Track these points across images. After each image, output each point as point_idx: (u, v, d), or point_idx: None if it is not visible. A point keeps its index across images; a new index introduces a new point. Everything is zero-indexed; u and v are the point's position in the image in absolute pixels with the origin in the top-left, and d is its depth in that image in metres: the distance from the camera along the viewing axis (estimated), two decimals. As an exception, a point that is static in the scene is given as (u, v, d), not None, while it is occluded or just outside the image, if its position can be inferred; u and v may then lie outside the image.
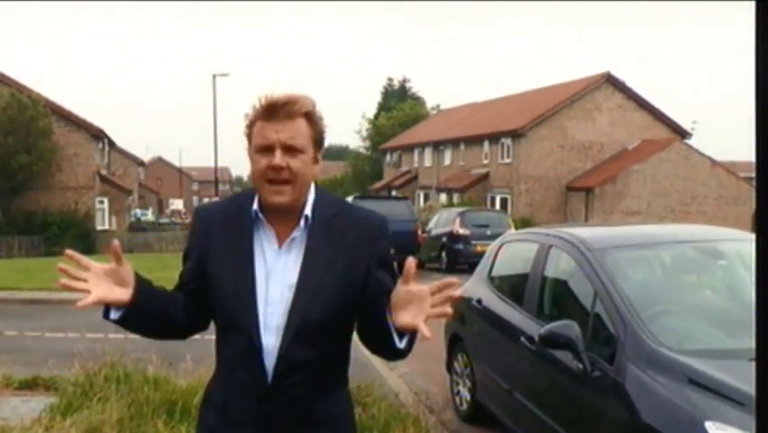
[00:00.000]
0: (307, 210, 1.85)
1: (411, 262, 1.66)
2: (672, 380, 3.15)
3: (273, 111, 1.78)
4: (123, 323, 1.79)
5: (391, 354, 1.79)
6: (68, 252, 1.72)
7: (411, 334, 1.71)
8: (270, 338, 1.80)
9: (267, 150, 1.78)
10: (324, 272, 1.81)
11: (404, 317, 1.67)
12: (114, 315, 1.76)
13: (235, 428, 1.86)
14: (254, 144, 1.81)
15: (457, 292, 1.66)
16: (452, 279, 1.68)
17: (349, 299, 1.84)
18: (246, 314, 1.80)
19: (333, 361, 1.90)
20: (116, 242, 1.73)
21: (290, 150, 1.78)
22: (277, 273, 1.82)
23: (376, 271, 1.87)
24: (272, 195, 1.80)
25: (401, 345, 1.73)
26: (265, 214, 1.85)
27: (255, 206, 1.86)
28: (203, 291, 1.89)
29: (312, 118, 1.82)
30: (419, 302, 1.67)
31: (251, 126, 1.83)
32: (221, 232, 1.87)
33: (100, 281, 1.71)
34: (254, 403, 1.83)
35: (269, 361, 1.80)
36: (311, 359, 1.82)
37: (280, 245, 1.84)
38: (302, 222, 1.84)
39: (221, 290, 1.84)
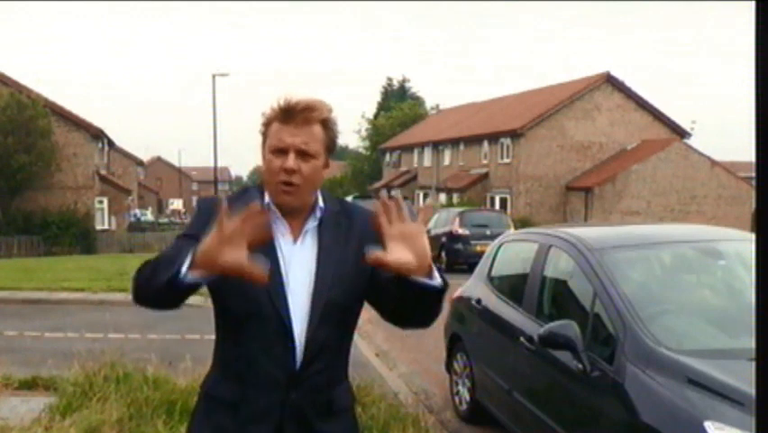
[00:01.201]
0: (321, 203, 1.93)
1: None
2: (671, 380, 3.15)
3: (291, 115, 1.82)
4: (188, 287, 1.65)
5: (433, 304, 1.76)
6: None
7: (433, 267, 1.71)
8: (296, 324, 1.84)
9: (281, 152, 1.83)
10: (339, 260, 1.89)
11: (405, 256, 1.64)
12: (191, 278, 1.60)
13: (251, 425, 1.85)
14: (269, 145, 1.85)
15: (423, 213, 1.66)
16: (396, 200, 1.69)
17: (361, 285, 1.91)
18: (275, 301, 1.82)
19: (345, 348, 1.98)
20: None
21: (304, 154, 1.83)
22: (295, 262, 1.87)
23: None
24: (282, 195, 1.85)
25: (437, 281, 1.70)
26: (277, 208, 1.90)
27: (267, 198, 1.89)
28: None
29: (327, 125, 1.87)
30: (411, 238, 1.65)
31: (267, 125, 1.87)
32: None
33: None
34: (278, 394, 1.84)
35: (298, 347, 1.84)
36: (332, 343, 1.89)
37: (295, 237, 1.90)
38: (318, 214, 1.92)
39: (240, 281, 1.77)
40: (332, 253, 1.89)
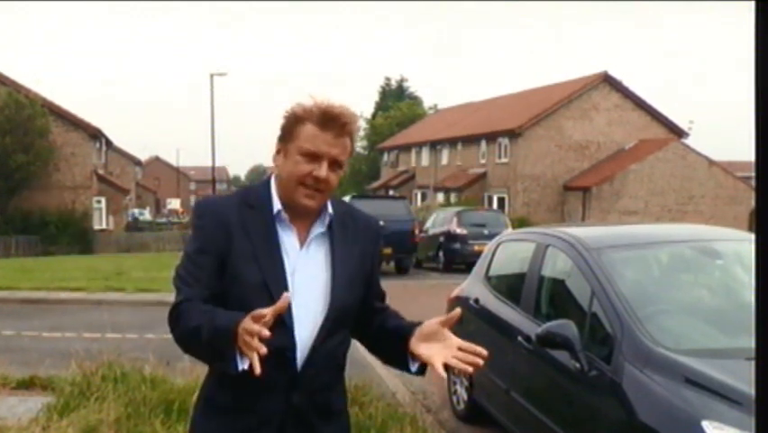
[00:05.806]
0: (330, 209, 1.93)
1: (458, 312, 1.83)
2: (669, 379, 3.15)
3: (331, 123, 1.81)
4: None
5: (402, 369, 1.95)
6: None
7: (424, 363, 1.86)
8: (303, 331, 1.84)
9: (314, 157, 1.81)
10: (350, 264, 1.92)
11: (423, 350, 1.82)
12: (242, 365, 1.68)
13: (253, 431, 1.85)
14: (300, 147, 1.82)
15: (481, 362, 1.79)
16: (482, 350, 1.80)
17: (363, 285, 1.97)
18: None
19: (345, 350, 2.00)
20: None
21: (335, 165, 1.84)
22: (302, 269, 1.87)
23: (376, 272, 2.05)
24: (306, 198, 1.84)
25: (414, 368, 1.90)
26: (287, 213, 1.89)
27: (278, 205, 1.88)
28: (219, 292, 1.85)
29: (353, 137, 1.89)
30: (444, 345, 1.80)
31: (296, 123, 1.82)
32: (241, 233, 1.84)
33: None
34: (279, 397, 1.84)
35: (301, 353, 1.84)
36: (336, 347, 1.92)
37: (301, 242, 1.89)
38: (327, 220, 1.92)
39: (248, 290, 1.81)
40: (345, 255, 1.92)
